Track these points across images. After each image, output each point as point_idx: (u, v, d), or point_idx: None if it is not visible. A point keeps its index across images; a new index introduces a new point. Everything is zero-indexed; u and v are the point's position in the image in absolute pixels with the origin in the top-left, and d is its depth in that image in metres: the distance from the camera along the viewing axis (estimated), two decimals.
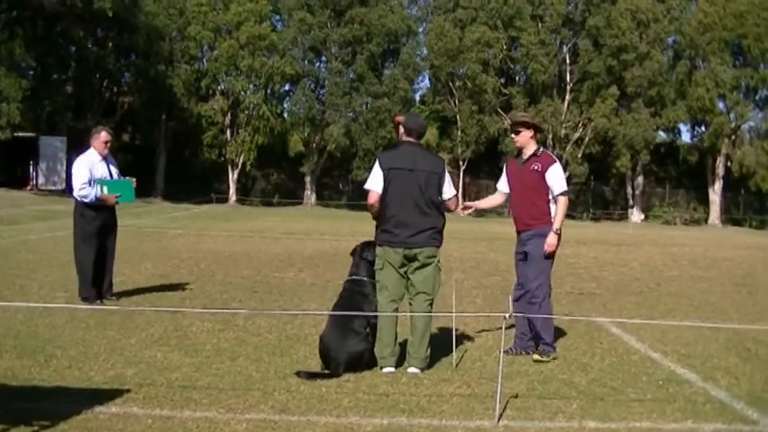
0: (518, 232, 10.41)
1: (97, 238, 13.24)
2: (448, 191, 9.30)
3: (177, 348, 9.76)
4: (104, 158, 13.41)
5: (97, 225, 13.24)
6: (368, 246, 9.61)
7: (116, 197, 13.26)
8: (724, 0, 69.33)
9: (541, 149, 10.44)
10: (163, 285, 15.32)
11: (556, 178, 10.15)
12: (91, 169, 13.14)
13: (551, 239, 10.00)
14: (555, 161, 10.33)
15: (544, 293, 10.14)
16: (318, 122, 70.28)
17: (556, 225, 10.06)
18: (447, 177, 9.33)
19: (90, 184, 13.04)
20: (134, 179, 13.73)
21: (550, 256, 10.18)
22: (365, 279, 9.46)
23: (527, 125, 10.36)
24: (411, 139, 9.39)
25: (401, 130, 9.47)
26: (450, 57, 69.93)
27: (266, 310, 12.50)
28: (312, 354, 9.34)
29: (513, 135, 10.52)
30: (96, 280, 13.26)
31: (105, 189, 13.13)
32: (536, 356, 9.87)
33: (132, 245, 22.44)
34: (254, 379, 8.48)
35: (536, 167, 10.14)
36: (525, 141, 10.31)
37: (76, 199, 13.26)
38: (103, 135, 13.37)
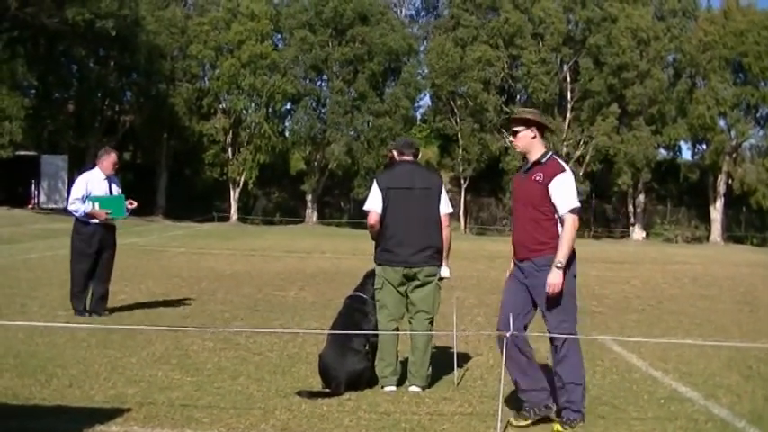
0: (519, 260, 8.10)
1: (90, 256, 13.49)
2: (443, 207, 9.27)
3: (178, 367, 9.75)
4: (108, 178, 13.62)
5: (91, 243, 13.49)
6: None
7: (106, 213, 13.40)
8: (724, 18, 69.68)
9: (549, 155, 8.13)
10: (164, 304, 15.32)
11: (561, 191, 7.85)
12: (88, 186, 13.40)
13: (552, 278, 7.70)
14: (563, 170, 8.01)
15: (570, 344, 7.91)
16: (320, 141, 70.38)
17: (558, 256, 7.70)
18: (444, 194, 9.31)
19: (82, 201, 13.31)
20: (127, 200, 13.80)
21: (565, 294, 7.85)
22: (365, 297, 9.44)
23: (527, 122, 8.08)
24: (406, 158, 9.39)
25: (394, 153, 9.48)
26: (451, 75, 70.10)
27: (267, 329, 12.48)
28: (313, 372, 9.31)
29: (511, 137, 8.34)
30: (86, 293, 13.57)
31: (97, 205, 13.34)
32: (557, 427, 7.71)
33: (133, 263, 22.46)
34: (255, 398, 8.47)
35: (538, 178, 7.94)
36: (526, 144, 8.09)
37: (74, 216, 13.51)
38: (112, 157, 13.70)
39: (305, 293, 18.01)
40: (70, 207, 13.53)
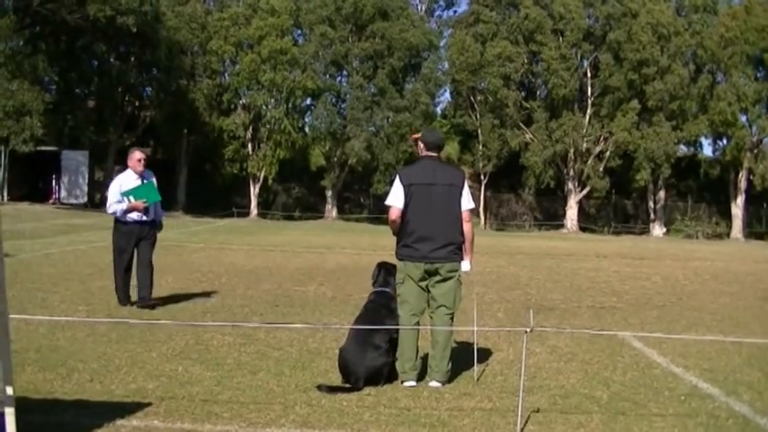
0: None
1: (128, 251, 14.21)
2: (465, 203, 9.26)
3: (198, 362, 9.77)
4: (141, 176, 14.22)
5: (128, 238, 14.20)
6: (393, 266, 9.59)
7: (143, 202, 14.03)
8: (745, 14, 69.24)
9: None
10: (184, 299, 15.36)
11: None
12: (122, 188, 14.07)
13: None
14: None
15: None
16: (340, 137, 70.41)
17: None
18: (466, 189, 9.30)
19: (119, 202, 14.02)
20: (153, 179, 14.51)
21: None
22: (392, 292, 9.45)
23: None
24: (430, 154, 9.37)
25: (420, 145, 9.44)
26: (471, 71, 70.11)
27: (287, 324, 12.49)
28: (333, 368, 9.31)
29: None
30: (128, 286, 14.35)
31: (132, 198, 13.96)
32: None
33: (153, 258, 22.46)
34: (275, 393, 8.47)
35: None
36: None
37: (115, 216, 14.26)
38: (137, 154, 14.35)
39: (324, 289, 18.02)
40: (109, 211, 14.24)
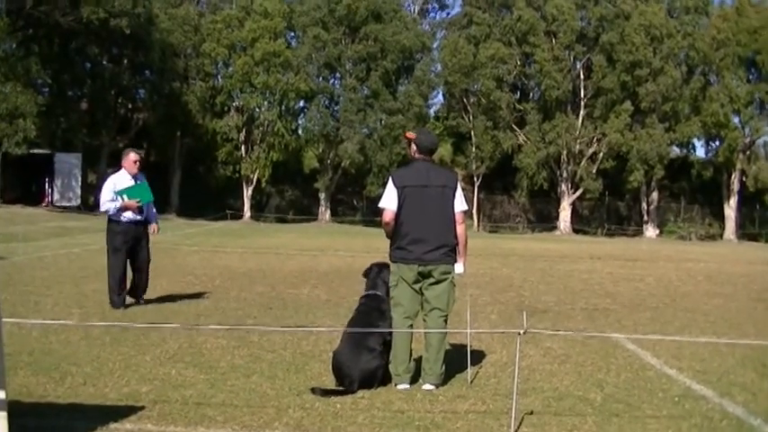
0: None
1: (123, 251, 14.37)
2: (458, 205, 9.24)
3: (192, 365, 9.75)
4: (134, 177, 14.47)
5: (122, 239, 14.35)
6: (385, 266, 9.59)
7: (137, 201, 14.26)
8: (737, 16, 69.53)
9: None
10: (177, 302, 15.34)
11: None
12: (116, 187, 14.29)
13: None
14: None
15: None
16: (333, 139, 70.40)
17: None
18: (459, 191, 9.29)
19: (112, 201, 14.21)
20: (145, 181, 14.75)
21: None
22: (382, 295, 9.44)
23: None
24: (423, 156, 9.36)
25: (413, 147, 9.43)
26: (464, 73, 70.17)
27: (281, 327, 12.48)
28: (327, 370, 9.30)
29: None
30: (129, 287, 14.67)
31: (125, 197, 14.18)
32: None
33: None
34: (268, 396, 8.46)
35: None
36: None
37: (108, 215, 14.44)
38: (132, 155, 14.62)
39: (318, 291, 18.00)
40: (102, 209, 14.48)
